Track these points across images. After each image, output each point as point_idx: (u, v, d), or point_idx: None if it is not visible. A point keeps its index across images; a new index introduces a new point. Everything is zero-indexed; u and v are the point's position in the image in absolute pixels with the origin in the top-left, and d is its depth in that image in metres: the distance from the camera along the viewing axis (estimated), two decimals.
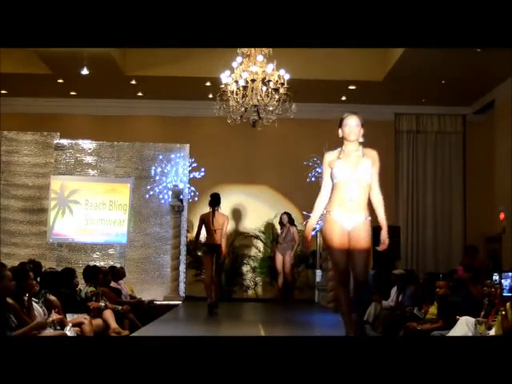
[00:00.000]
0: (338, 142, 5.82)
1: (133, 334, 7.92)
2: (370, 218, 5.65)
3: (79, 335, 6.93)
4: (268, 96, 10.33)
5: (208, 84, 13.35)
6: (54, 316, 6.78)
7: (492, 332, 6.57)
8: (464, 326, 6.88)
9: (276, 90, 10.25)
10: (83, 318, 7.53)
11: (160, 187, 12.89)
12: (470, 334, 6.69)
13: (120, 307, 8.97)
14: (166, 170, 12.90)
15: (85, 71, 13.08)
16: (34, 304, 6.43)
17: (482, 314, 7.13)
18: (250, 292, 15.02)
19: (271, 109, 10.41)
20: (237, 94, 10.31)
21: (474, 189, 15.43)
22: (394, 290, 9.84)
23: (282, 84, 10.25)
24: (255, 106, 10.40)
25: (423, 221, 15.63)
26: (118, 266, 11.71)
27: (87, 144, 13.23)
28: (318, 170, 11.65)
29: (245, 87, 10.28)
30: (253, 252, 15.11)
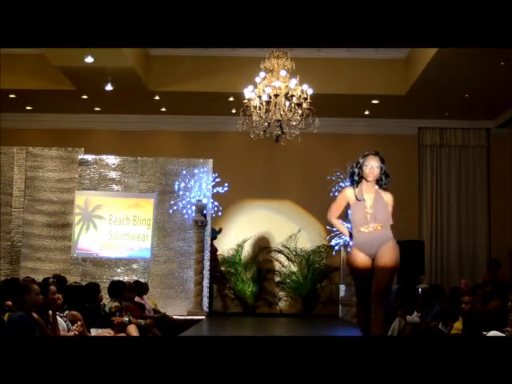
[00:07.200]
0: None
1: None
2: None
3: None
4: (291, 111, 10.34)
5: (231, 99, 13.39)
6: (76, 329, 6.78)
7: None
8: None
9: (299, 104, 10.25)
10: (107, 332, 7.55)
11: (183, 202, 12.92)
12: None
13: (144, 322, 8.99)
14: (189, 185, 12.93)
15: (109, 87, 13.19)
16: (58, 318, 6.46)
17: (509, 329, 7.06)
18: (274, 307, 14.98)
19: (294, 123, 10.41)
20: (260, 109, 10.33)
21: (498, 202, 15.32)
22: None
23: (305, 99, 10.25)
24: (278, 120, 10.40)
25: (447, 235, 15.51)
26: (142, 280, 11.75)
27: (111, 159, 13.30)
28: (342, 184, 11.63)
29: (268, 102, 10.30)
30: (276, 267, 15.08)
